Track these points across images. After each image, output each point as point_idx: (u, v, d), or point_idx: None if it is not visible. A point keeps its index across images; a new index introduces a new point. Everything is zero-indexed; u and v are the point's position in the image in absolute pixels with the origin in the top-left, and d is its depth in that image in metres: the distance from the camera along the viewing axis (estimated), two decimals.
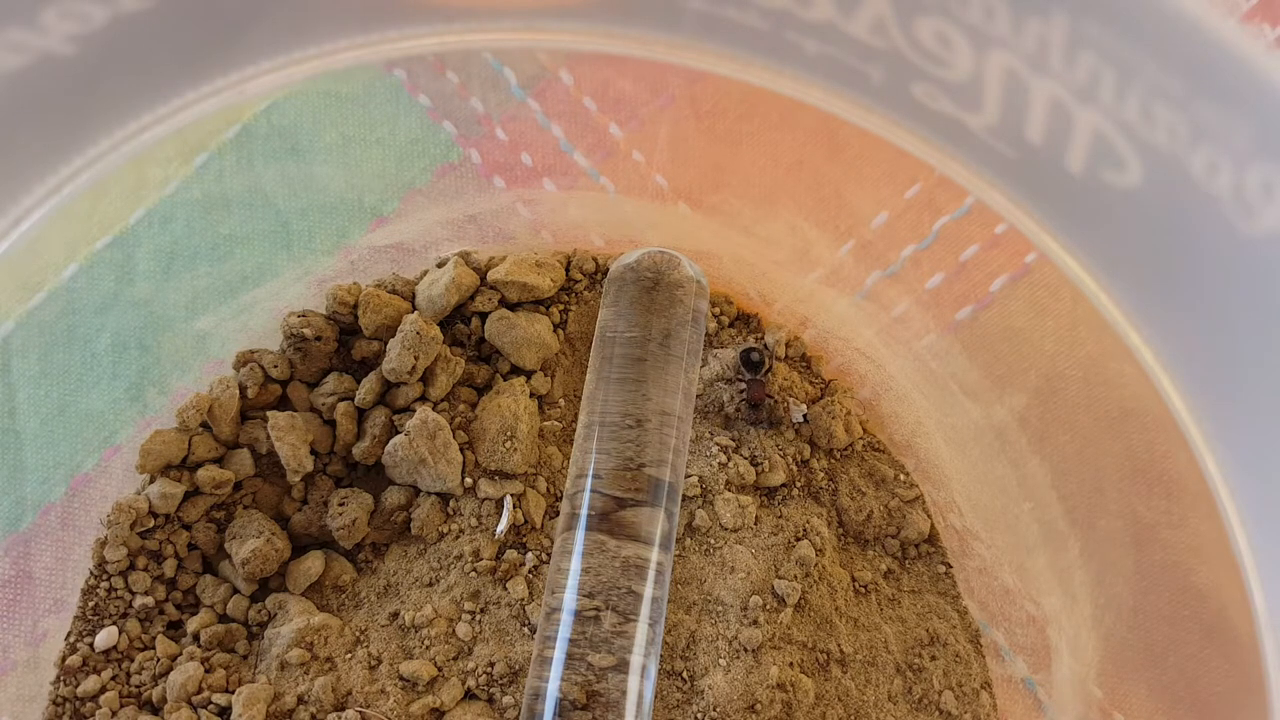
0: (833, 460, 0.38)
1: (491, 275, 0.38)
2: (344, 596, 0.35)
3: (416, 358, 0.36)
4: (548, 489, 0.37)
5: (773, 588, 0.35)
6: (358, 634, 0.34)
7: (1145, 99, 0.21)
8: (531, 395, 0.38)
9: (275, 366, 0.37)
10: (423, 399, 0.37)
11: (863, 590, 0.37)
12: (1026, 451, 0.34)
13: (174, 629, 0.34)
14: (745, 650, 0.34)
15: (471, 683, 0.34)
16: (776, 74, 0.26)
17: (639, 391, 0.35)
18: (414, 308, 0.38)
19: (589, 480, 0.34)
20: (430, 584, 0.35)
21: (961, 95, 0.24)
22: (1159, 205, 0.23)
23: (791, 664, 0.34)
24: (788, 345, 0.39)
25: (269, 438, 0.36)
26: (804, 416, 0.38)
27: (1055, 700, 0.33)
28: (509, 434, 0.36)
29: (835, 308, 0.37)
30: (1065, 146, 0.23)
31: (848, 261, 0.36)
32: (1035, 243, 0.25)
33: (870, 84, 0.25)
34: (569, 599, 0.32)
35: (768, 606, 0.35)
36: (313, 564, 0.35)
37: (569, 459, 0.37)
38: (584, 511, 0.33)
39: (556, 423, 0.38)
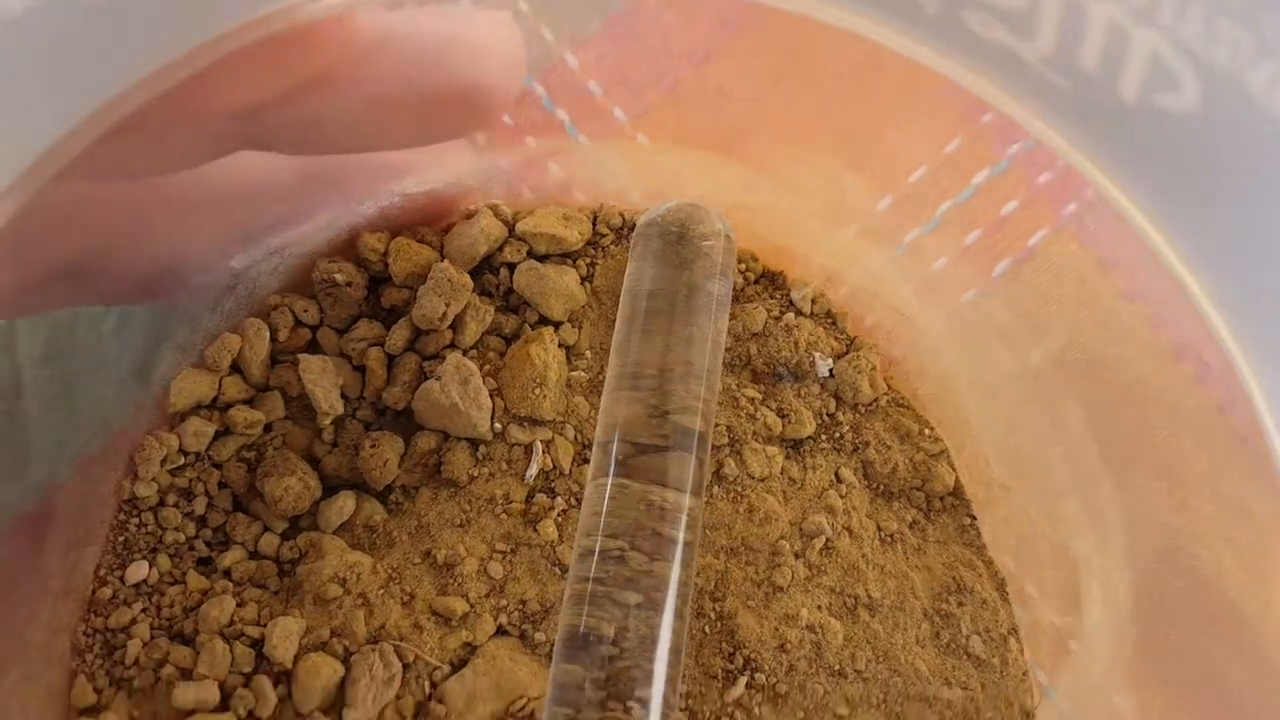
0: (858, 415, 0.39)
1: (520, 227, 0.39)
2: (375, 536, 0.35)
3: (447, 304, 0.36)
4: (575, 437, 0.37)
5: (800, 533, 0.36)
6: (390, 571, 0.34)
7: (1208, 15, 0.21)
8: (559, 345, 0.38)
9: (305, 311, 0.37)
10: (452, 346, 0.37)
11: (889, 540, 0.37)
12: (1062, 395, 0.34)
13: (204, 566, 0.34)
14: (774, 592, 0.35)
15: (504, 619, 0.34)
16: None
17: (666, 344, 0.35)
18: (443, 257, 0.38)
19: (618, 428, 0.34)
20: (461, 525, 0.35)
21: (1016, 22, 0.25)
22: (1217, 131, 0.23)
23: (820, 607, 0.35)
24: (814, 301, 0.40)
25: (299, 380, 0.36)
26: (830, 371, 0.39)
27: (1085, 644, 0.33)
28: (539, 381, 0.36)
29: (870, 263, 0.38)
30: (1120, 72, 0.24)
31: (885, 216, 0.37)
32: (1087, 177, 0.26)
33: (923, 13, 0.26)
34: (598, 540, 0.32)
35: (795, 552, 0.35)
36: (345, 503, 0.35)
37: (596, 409, 0.37)
38: (613, 457, 0.33)
39: (584, 374, 0.38)
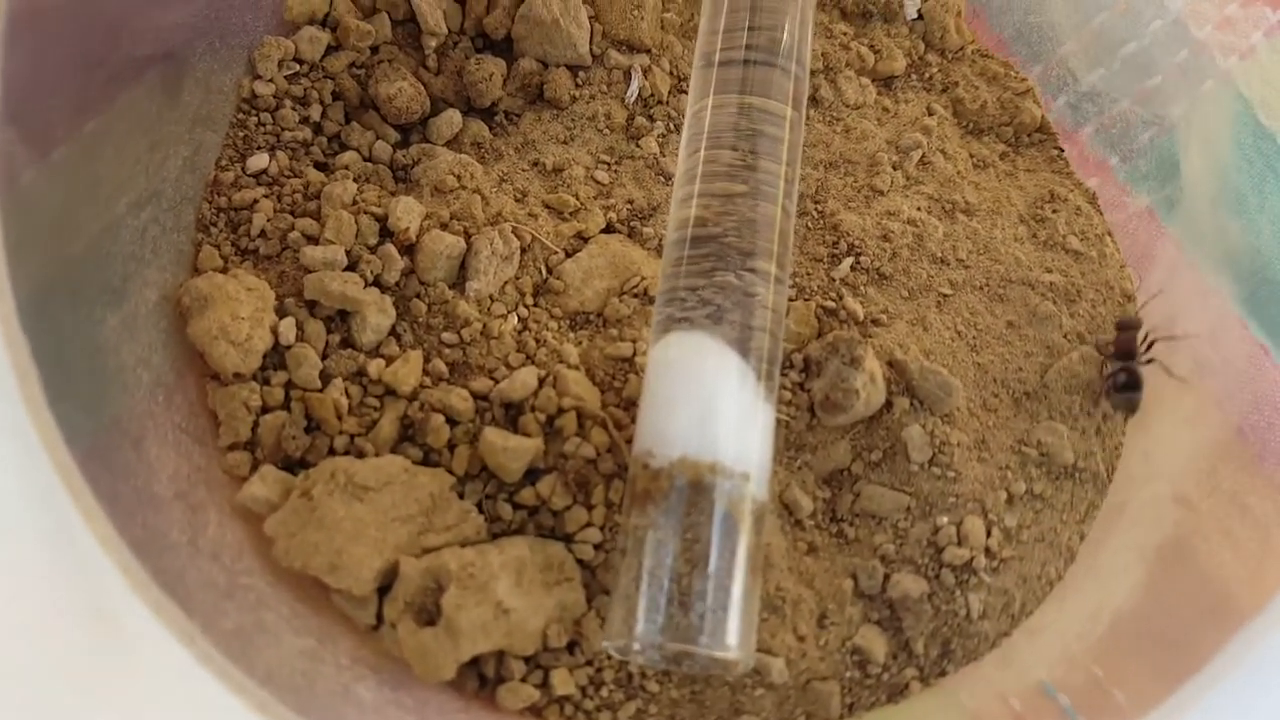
0: (946, 59, 0.40)
1: None
2: (483, 151, 0.36)
3: None
4: (671, 70, 0.38)
5: (896, 149, 0.37)
6: (501, 175, 0.35)
7: None
8: None
9: None
10: None
11: (981, 165, 0.38)
12: None
13: (321, 170, 0.35)
14: (874, 195, 0.35)
15: (613, 215, 0.35)
16: None
17: None
18: None
19: (719, 36, 0.34)
20: (565, 141, 0.36)
21: None
22: None
23: (919, 208, 0.36)
24: None
25: (406, 2, 0.36)
26: (918, 13, 0.39)
27: (1181, 219, 0.34)
28: (637, 3, 0.37)
29: None
30: None
31: None
32: None
33: None
34: (702, 146, 0.33)
35: (893, 164, 0.36)
36: (453, 115, 0.36)
37: (689, 49, 0.38)
38: (716, 64, 0.33)
39: (676, 16, 0.39)
